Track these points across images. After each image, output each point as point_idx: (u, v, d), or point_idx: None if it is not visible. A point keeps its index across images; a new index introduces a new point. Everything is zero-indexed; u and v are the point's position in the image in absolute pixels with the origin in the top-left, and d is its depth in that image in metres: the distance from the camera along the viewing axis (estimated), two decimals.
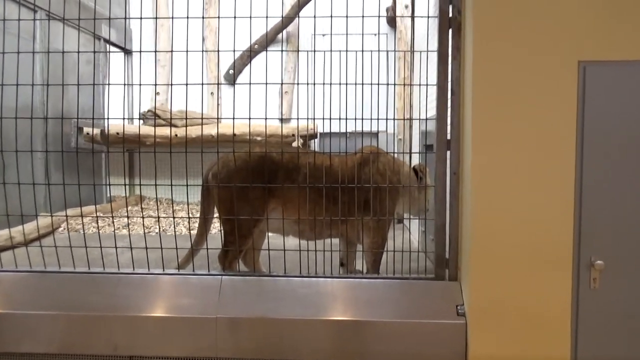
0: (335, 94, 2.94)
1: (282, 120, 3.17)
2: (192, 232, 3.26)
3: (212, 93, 8.15)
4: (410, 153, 4.00)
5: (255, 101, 2.95)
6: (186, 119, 3.09)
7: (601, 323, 2.56)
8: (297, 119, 2.97)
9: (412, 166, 3.45)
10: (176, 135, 6.63)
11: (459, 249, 2.83)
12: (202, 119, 3.22)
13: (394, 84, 3.29)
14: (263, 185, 3.06)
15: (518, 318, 2.55)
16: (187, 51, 2.91)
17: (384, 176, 3.25)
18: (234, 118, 2.96)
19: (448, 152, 2.85)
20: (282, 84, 4.60)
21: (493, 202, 2.55)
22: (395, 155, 3.53)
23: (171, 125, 4.69)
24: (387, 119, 3.11)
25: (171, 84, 2.89)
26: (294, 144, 6.84)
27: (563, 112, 2.52)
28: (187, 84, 2.90)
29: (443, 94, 2.83)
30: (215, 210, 3.33)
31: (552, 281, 2.55)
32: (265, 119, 2.93)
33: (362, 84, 2.91)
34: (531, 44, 2.51)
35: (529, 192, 2.54)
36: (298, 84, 2.88)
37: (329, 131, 3.03)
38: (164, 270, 3.01)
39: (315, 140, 7.28)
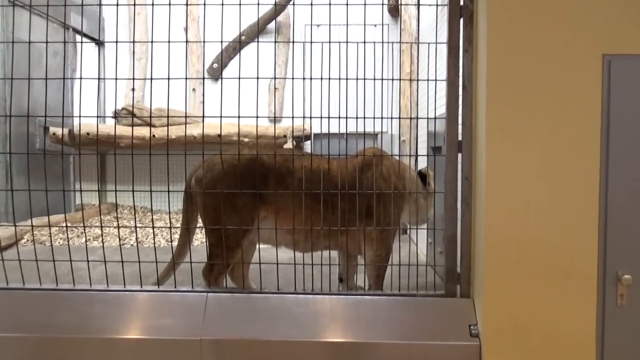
0: (332, 90, 2.93)
1: (274, 119, 3.16)
2: (172, 243, 3.24)
3: (194, 89, 8.15)
4: (417, 156, 3.99)
5: (243, 98, 2.94)
6: (167, 117, 3.06)
7: (629, 343, 2.57)
8: (292, 117, 2.96)
9: (417, 170, 3.45)
10: (154, 135, 6.62)
11: (472, 262, 2.83)
12: (185, 117, 3.21)
13: (399, 79, 3.30)
14: (253, 192, 3.04)
15: (538, 338, 2.55)
16: (168, 42, 2.90)
17: (388, 181, 3.24)
18: (220, 117, 2.95)
19: (459, 155, 2.86)
20: (274, 78, 4.60)
21: (509, 210, 2.56)
22: (399, 158, 3.53)
23: (150, 125, 4.67)
24: (391, 117, 3.11)
25: (151, 79, 2.88)
26: (286, 146, 6.85)
27: (586, 110, 2.53)
28: (168, 79, 2.88)
29: (453, 90, 2.83)
30: (199, 219, 3.31)
31: (575, 298, 2.55)
32: (257, 117, 2.92)
33: (364, 79, 2.91)
34: (552, 35, 2.53)
35: (549, 198, 2.55)
36: (293, 78, 2.87)
37: (324, 132, 3.03)
38: (141, 286, 2.98)
39: (310, 141, 7.30)
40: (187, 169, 3.16)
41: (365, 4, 2.81)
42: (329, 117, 2.91)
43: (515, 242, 2.55)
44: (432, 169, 3.45)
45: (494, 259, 2.57)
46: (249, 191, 3.05)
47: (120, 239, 3.58)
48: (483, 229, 2.60)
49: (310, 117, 2.95)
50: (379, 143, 7.15)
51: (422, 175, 3.43)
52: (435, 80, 3.01)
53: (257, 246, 3.36)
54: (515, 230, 2.56)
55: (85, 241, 4.26)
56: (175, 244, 3.38)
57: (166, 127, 6.91)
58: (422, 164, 3.95)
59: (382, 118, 2.96)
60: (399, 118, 3.42)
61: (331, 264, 3.08)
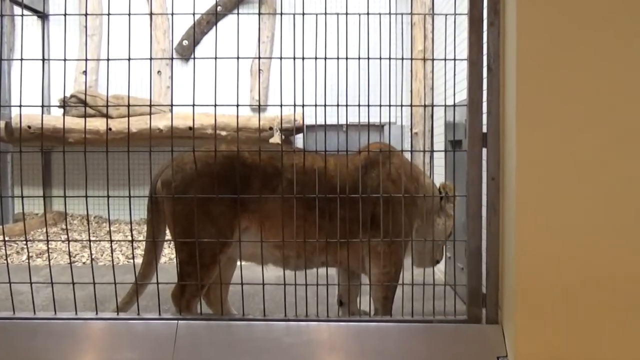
0: (329, 72, 2.93)
1: (259, 108, 3.16)
2: (135, 261, 3.23)
3: (159, 72, 8.15)
4: (432, 151, 4.01)
5: (220, 83, 2.93)
6: (127, 106, 3.05)
7: None
8: (281, 106, 2.95)
9: (434, 182, 3.47)
10: (111, 129, 6.60)
11: (500, 281, 2.84)
12: (149, 106, 3.20)
13: (410, 59, 3.30)
14: (233, 197, 3.04)
15: None
16: (128, 14, 2.90)
17: (397, 183, 3.24)
18: (193, 105, 2.94)
19: (484, 150, 2.86)
20: (258, 58, 4.59)
21: (547, 218, 2.57)
22: (412, 155, 3.54)
23: (107, 116, 4.65)
24: (400, 105, 3.11)
25: (107, 59, 2.88)
26: (273, 141, 6.85)
27: None
28: (129, 59, 2.88)
29: (476, 71, 2.84)
30: (167, 231, 3.30)
31: (628, 325, 2.56)
32: (237, 106, 2.91)
33: (368, 58, 2.91)
34: (598, 3, 2.53)
35: (595, 204, 2.56)
36: (281, 58, 2.87)
37: (319, 123, 3.03)
38: (97, 313, 2.96)
39: (302, 135, 7.29)
40: (153, 170, 3.16)
41: None
42: (325, 105, 2.90)
43: (554, 257, 2.56)
44: (449, 187, 3.46)
45: (528, 278, 2.57)
46: (227, 196, 3.05)
47: (70, 256, 3.56)
48: (514, 240, 2.61)
49: (303, 105, 2.94)
50: (385, 136, 7.19)
51: (441, 191, 3.46)
52: (454, 59, 3.01)
53: (239, 263, 3.35)
54: (554, 241, 2.56)
55: (28, 258, 4.24)
56: (138, 261, 3.36)
57: (126, 119, 6.91)
58: (439, 161, 3.97)
59: (389, 106, 2.94)
60: (411, 106, 3.42)
61: (329, 284, 3.07)
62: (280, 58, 2.90)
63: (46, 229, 3.20)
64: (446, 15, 3.15)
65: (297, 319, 2.90)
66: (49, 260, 3.36)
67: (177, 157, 3.22)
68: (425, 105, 3.05)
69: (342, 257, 3.26)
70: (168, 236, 3.29)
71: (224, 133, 6.76)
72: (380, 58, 2.94)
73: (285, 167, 3.16)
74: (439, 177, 4.53)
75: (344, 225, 3.10)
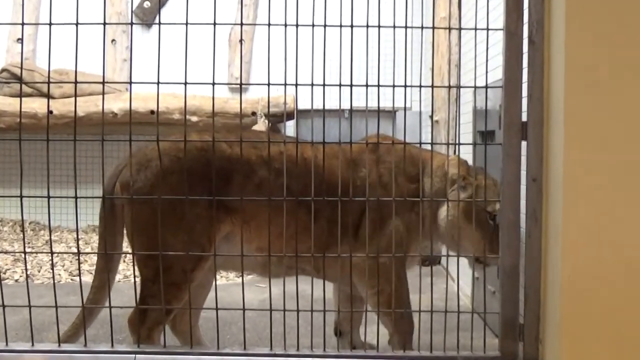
0: (329, 44, 2.92)
1: (240, 87, 3.14)
2: (82, 278, 3.21)
3: (114, 41, 8.12)
4: (457, 144, 3.99)
5: (191, 55, 2.90)
6: (74, 83, 3.02)
7: None
8: (269, 85, 2.94)
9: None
10: (53, 112, 6.55)
11: (542, 308, 2.83)
12: (102, 83, 3.18)
13: (432, 27, 3.29)
14: (208, 198, 3.05)
15: None
16: None
17: (386, 186, 3.29)
18: (158, 83, 2.92)
19: (523, 144, 2.85)
20: (241, 25, 4.57)
21: (602, 230, 2.56)
22: (431, 147, 3.53)
23: (48, 96, 4.63)
24: (419, 86, 3.10)
25: (49, 24, 2.85)
26: (257, 127, 6.83)
27: None
28: (77, 24, 2.85)
29: (514, 44, 2.83)
30: (126, 241, 3.30)
31: None
32: (213, 84, 2.90)
33: (379, 26, 2.90)
34: None
35: None
36: (269, 25, 2.85)
37: (316, 108, 3.02)
38: (32, 344, 2.93)
39: (293, 122, 7.28)
40: (106, 165, 3.13)
41: None
42: (323, 85, 2.90)
43: (613, 279, 2.55)
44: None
45: (578, 305, 2.57)
46: (202, 198, 3.06)
47: None
48: (560, 257, 2.60)
49: (296, 85, 2.92)
50: (399, 124, 7.21)
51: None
52: (487, 29, 3.00)
53: (213, 277, 3.34)
54: (611, 259, 2.56)
55: None
56: (85, 279, 3.35)
57: (71, 99, 6.84)
58: (466, 157, 3.94)
59: (404, 86, 2.94)
60: (432, 87, 3.40)
61: (326, 310, 3.06)
62: (269, 25, 2.88)
63: None
64: None
65: (286, 354, 2.89)
66: None
67: (137, 151, 3.21)
68: (449, 87, 3.01)
69: (317, 265, 3.30)
70: (127, 248, 3.27)
71: (194, 119, 6.76)
72: (394, 27, 2.93)
73: (272, 156, 3.20)
74: None
75: (329, 228, 3.19)
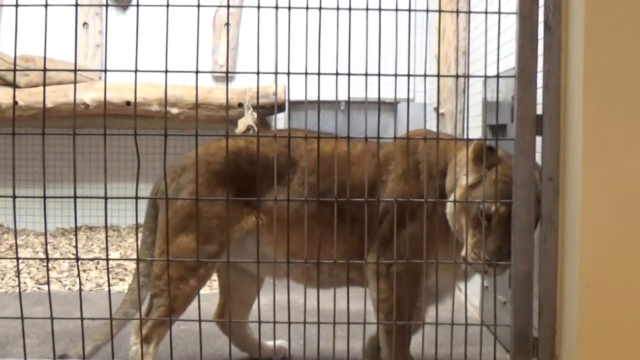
0: (325, 29, 2.91)
1: (227, 75, 3.13)
2: (51, 287, 3.20)
3: (86, 24, 8.08)
4: (467, 140, 3.99)
5: (172, 40, 2.89)
6: (43, 70, 3.02)
7: None
8: (258, 73, 2.93)
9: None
10: (18, 103, 6.52)
11: (558, 321, 2.83)
12: (74, 71, 3.16)
13: (438, 11, 3.29)
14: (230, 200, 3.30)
15: None
16: None
17: (411, 181, 3.34)
18: (135, 70, 2.91)
19: (538, 140, 2.85)
20: (227, 6, 4.56)
21: (624, 235, 2.57)
22: (437, 142, 3.53)
23: (14, 85, 4.61)
24: (424, 75, 3.09)
25: (16, 5, 2.85)
26: (243, 121, 6.81)
27: None
28: (45, 5, 2.84)
29: (529, 30, 2.82)
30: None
31: None
32: (196, 72, 2.89)
33: (380, 9, 2.89)
34: None
35: None
36: (259, 7, 2.84)
37: (310, 99, 3.01)
38: None
39: (285, 114, 7.24)
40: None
41: None
42: (318, 74, 2.90)
43: (636, 288, 2.56)
44: (476, 149, 3.42)
45: (597, 317, 2.57)
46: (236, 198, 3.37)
47: None
48: (578, 264, 2.61)
49: (288, 73, 2.92)
50: (401, 118, 7.19)
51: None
52: (499, 12, 3.00)
53: (209, 291, 3.35)
54: (635, 266, 2.57)
55: None
56: (54, 287, 3.35)
57: (38, 89, 6.82)
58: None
59: (408, 75, 2.94)
60: (438, 76, 3.37)
61: (320, 323, 3.06)
62: (258, 7, 2.88)
63: None
64: None
65: None
66: None
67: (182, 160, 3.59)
68: (457, 76, 3.00)
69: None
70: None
71: (175, 110, 6.73)
72: (397, 10, 2.93)
73: (301, 154, 3.44)
74: None
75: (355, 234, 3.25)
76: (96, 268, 5.82)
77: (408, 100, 3.04)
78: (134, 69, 2.92)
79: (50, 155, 2.89)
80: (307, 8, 2.88)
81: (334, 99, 2.94)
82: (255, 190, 3.33)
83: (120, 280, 5.77)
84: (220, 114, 6.94)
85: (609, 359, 2.58)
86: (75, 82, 3.32)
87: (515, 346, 2.90)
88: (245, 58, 7.90)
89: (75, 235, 3.23)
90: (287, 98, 6.08)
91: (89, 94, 6.70)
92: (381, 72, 2.97)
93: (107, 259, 3.13)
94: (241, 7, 7.83)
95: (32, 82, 6.78)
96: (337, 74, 2.89)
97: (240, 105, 6.93)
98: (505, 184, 3.17)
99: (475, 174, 3.24)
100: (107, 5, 7.83)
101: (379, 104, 3.01)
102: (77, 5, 2.94)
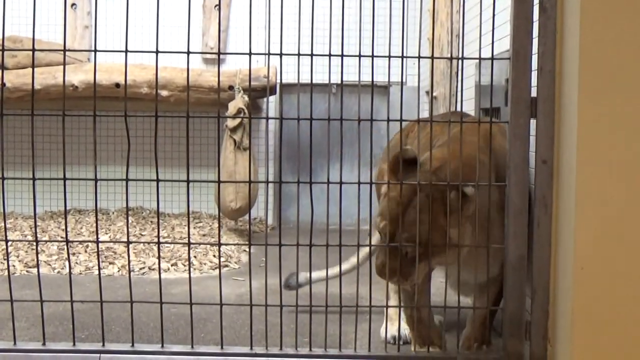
0: (318, 10, 2.90)
1: (218, 56, 3.12)
2: (40, 270, 3.18)
3: (74, 5, 8.01)
4: (460, 122, 3.98)
5: (162, 22, 2.87)
6: (32, 50, 2.99)
7: None
8: (250, 54, 2.92)
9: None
10: (5, 84, 6.47)
11: (552, 305, 2.83)
12: (63, 51, 3.14)
13: None
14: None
15: None
16: None
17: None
18: (126, 51, 2.89)
19: (532, 123, 2.85)
20: None
21: (618, 218, 2.57)
22: (430, 125, 3.52)
23: (2, 67, 4.57)
24: (417, 57, 3.08)
25: None
26: (233, 104, 6.78)
27: None
28: None
29: (524, 11, 2.82)
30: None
31: None
32: (187, 53, 2.87)
33: None
34: None
35: None
36: None
37: (302, 81, 2.99)
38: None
39: (276, 96, 7.22)
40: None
41: None
42: (311, 55, 2.89)
43: (630, 272, 2.56)
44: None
45: (591, 301, 2.57)
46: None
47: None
48: (572, 247, 2.60)
49: (281, 54, 2.90)
50: (393, 101, 7.18)
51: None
52: None
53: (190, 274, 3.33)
54: (628, 250, 2.56)
55: None
56: (43, 270, 3.33)
57: (26, 71, 6.76)
58: None
59: (402, 57, 2.93)
60: (432, 58, 3.37)
61: (312, 307, 3.06)
62: None
63: None
64: None
65: (268, 354, 2.90)
66: None
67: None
68: (450, 58, 3.00)
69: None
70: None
71: (165, 93, 6.70)
72: None
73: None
74: None
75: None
76: (85, 251, 5.81)
77: (402, 83, 3.04)
78: (125, 50, 2.91)
79: (39, 138, 2.87)
80: None
81: (325, 81, 2.92)
82: None
83: (110, 263, 5.76)
84: (211, 96, 6.91)
85: (602, 342, 2.59)
86: (65, 64, 3.30)
87: (508, 330, 2.91)
88: (236, 40, 7.86)
89: (65, 217, 3.20)
90: (280, 80, 6.09)
91: (77, 75, 6.67)
92: (375, 54, 2.96)
93: (97, 241, 3.13)
94: None
95: (20, 63, 6.74)
96: (330, 55, 2.87)
97: (231, 87, 6.89)
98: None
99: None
100: None
101: (372, 86, 3.00)
102: None
